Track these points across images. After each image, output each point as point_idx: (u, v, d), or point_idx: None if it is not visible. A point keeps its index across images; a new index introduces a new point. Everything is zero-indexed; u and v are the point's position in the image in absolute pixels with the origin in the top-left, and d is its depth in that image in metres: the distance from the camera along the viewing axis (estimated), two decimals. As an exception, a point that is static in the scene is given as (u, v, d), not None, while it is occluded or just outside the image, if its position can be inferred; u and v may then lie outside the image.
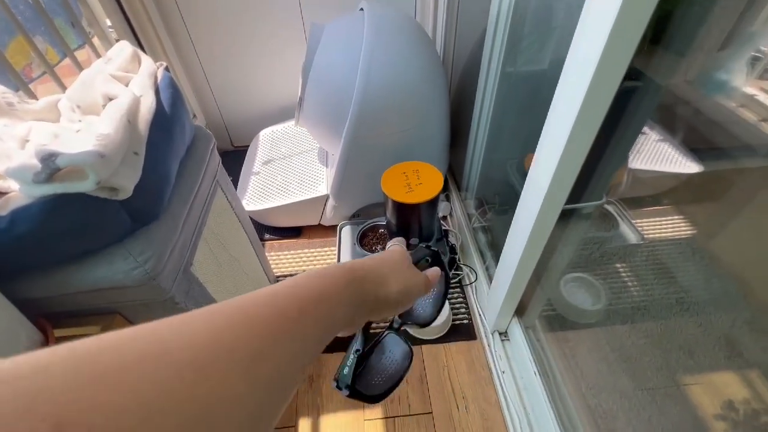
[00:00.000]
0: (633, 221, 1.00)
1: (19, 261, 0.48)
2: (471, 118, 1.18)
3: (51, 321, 0.57)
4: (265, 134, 1.54)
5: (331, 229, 1.35)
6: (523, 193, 0.75)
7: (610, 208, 1.05)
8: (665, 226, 0.91)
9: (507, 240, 0.85)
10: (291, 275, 1.24)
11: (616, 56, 0.47)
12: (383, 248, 1.18)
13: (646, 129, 0.87)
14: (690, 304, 0.75)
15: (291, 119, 1.55)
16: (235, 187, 1.33)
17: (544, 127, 0.63)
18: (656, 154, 0.88)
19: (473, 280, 1.15)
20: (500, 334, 1.01)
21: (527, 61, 1.03)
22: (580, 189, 0.85)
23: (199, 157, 0.72)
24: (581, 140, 0.57)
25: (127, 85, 0.59)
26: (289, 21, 1.40)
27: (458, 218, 1.34)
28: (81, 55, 1.12)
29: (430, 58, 1.12)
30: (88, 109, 0.64)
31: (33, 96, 0.90)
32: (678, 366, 0.73)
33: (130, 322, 0.63)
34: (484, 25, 1.03)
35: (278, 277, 1.23)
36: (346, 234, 1.24)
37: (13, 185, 0.48)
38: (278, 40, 1.45)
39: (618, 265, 1.02)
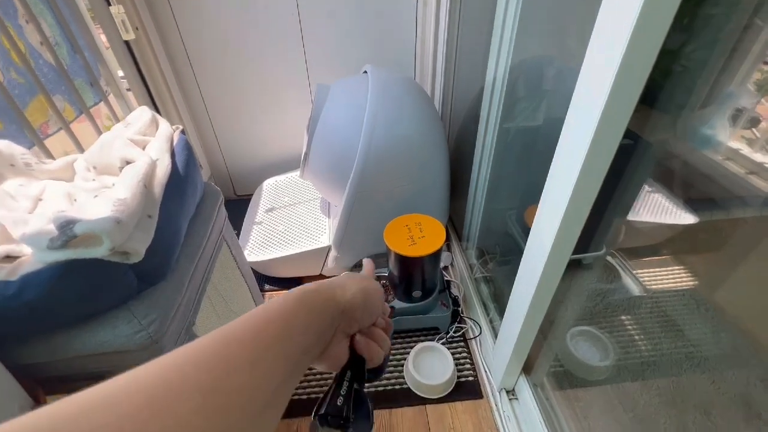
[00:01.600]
0: (634, 272, 1.00)
1: (22, 326, 0.47)
2: (471, 170, 1.22)
3: (43, 386, 0.55)
4: (269, 184, 1.57)
5: (332, 280, 1.34)
6: (527, 246, 0.76)
7: (610, 259, 1.06)
8: (666, 276, 0.92)
9: (512, 294, 0.84)
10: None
11: (616, 115, 0.49)
12: (385, 300, 1.16)
13: (639, 181, 0.90)
14: (700, 360, 0.73)
15: (294, 170, 1.59)
16: (238, 237, 1.34)
17: (546, 182, 0.65)
18: (651, 205, 0.90)
19: (477, 334, 1.12)
20: (507, 392, 0.97)
21: (524, 118, 1.08)
22: (584, 241, 0.87)
23: (207, 215, 0.73)
24: (585, 195, 0.58)
25: (144, 149, 0.62)
26: (296, 80, 1.49)
27: (460, 268, 1.34)
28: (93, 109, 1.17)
29: (429, 115, 1.18)
30: (104, 170, 0.66)
31: (48, 152, 0.93)
32: (695, 428, 0.70)
33: (127, 386, 0.61)
34: (479, 83, 1.10)
35: (277, 330, 1.20)
36: (348, 285, 1.22)
37: (25, 249, 0.49)
38: (285, 98, 1.53)
39: (623, 318, 1.01)
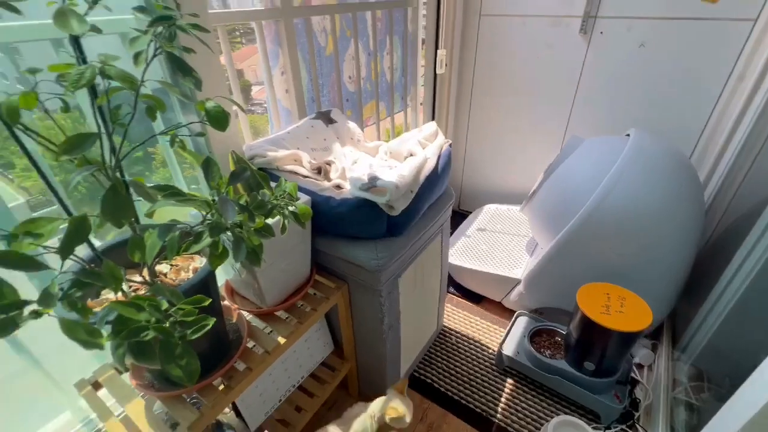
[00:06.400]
0: None
1: (328, 226, 0.81)
2: (721, 274, 1.01)
3: (317, 265, 0.90)
4: (489, 208, 1.74)
5: (507, 312, 1.39)
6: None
7: None
8: None
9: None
10: (455, 332, 1.34)
11: None
12: (552, 355, 1.13)
13: None
14: None
15: (516, 205, 1.70)
16: (446, 240, 1.57)
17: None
18: None
19: (647, 453, 0.94)
20: None
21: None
22: None
23: (440, 206, 0.96)
24: None
25: (424, 149, 0.89)
26: (552, 128, 1.59)
27: (658, 376, 1.13)
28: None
29: (687, 200, 1.05)
30: (395, 156, 0.98)
31: (363, 134, 1.39)
32: None
33: (350, 293, 0.90)
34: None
35: (444, 326, 1.36)
36: (520, 324, 1.25)
37: (346, 185, 0.83)
38: (536, 140, 1.66)
39: None
